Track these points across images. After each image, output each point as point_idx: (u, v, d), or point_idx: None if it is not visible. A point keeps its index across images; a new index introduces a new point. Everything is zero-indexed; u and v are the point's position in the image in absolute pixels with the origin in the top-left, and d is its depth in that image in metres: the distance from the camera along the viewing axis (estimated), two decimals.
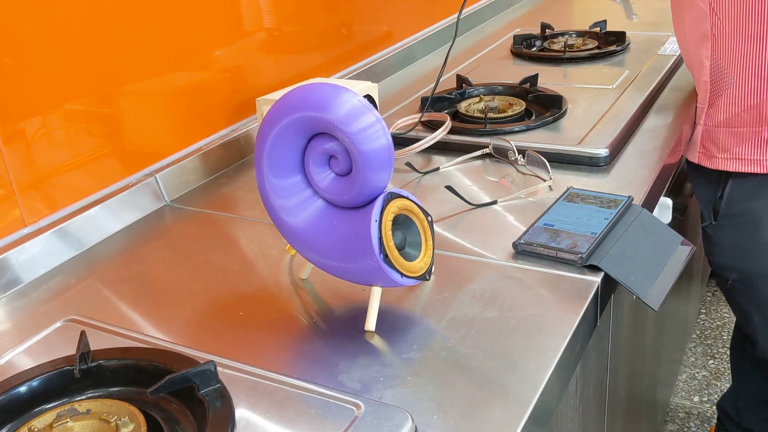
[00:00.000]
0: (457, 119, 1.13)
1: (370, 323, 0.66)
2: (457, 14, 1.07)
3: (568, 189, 0.87)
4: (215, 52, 1.05)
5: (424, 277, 0.66)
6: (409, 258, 0.66)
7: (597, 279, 0.71)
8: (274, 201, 0.67)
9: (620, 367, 1.02)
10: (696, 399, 1.74)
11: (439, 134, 1.01)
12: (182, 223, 0.91)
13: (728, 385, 1.76)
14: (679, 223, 1.27)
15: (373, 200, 0.65)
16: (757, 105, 1.05)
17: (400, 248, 0.66)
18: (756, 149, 1.07)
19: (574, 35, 1.50)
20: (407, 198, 0.67)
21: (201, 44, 1.03)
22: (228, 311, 0.71)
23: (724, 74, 1.07)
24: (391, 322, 0.67)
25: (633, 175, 0.93)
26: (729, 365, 1.83)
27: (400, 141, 1.06)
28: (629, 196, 0.83)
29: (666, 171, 0.97)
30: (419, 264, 0.66)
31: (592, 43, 1.43)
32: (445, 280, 0.73)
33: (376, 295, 0.66)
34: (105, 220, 0.89)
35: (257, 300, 0.73)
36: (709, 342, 1.94)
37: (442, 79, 1.07)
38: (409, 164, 1.00)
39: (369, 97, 1.05)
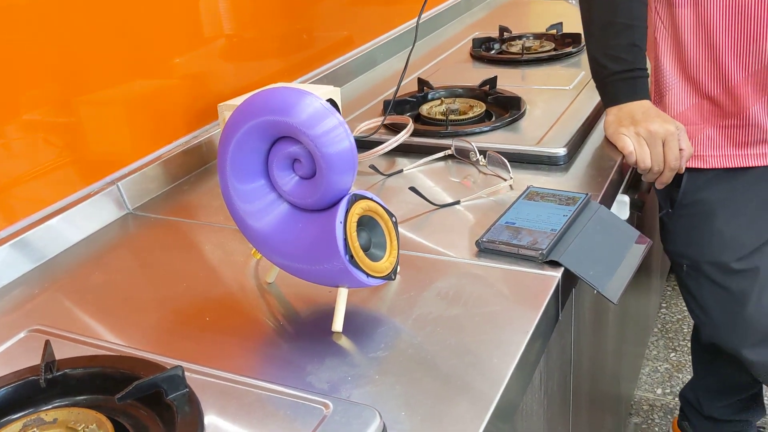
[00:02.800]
0: (419, 122, 1.14)
1: (337, 324, 0.66)
2: (416, 18, 1.09)
3: (528, 188, 0.88)
4: (175, 59, 1.05)
5: (389, 276, 0.67)
6: (374, 258, 0.67)
7: (557, 274, 0.72)
8: (239, 206, 0.68)
9: (583, 362, 1.05)
10: (659, 391, 1.79)
11: (402, 137, 1.02)
12: (146, 231, 0.91)
13: (690, 377, 1.81)
14: (637, 218, 1.31)
15: (337, 202, 0.66)
16: (698, 104, 1.09)
17: (366, 249, 0.67)
18: (701, 146, 1.10)
19: (531, 37, 1.53)
20: (371, 199, 0.68)
21: (161, 51, 1.03)
22: (194, 317, 0.71)
23: (667, 76, 1.10)
24: (357, 323, 0.68)
25: (591, 173, 0.95)
26: (690, 357, 1.88)
27: (364, 144, 1.07)
28: (587, 194, 0.85)
29: (622, 168, 1.00)
30: (384, 264, 0.67)
31: (549, 45, 1.46)
32: (411, 280, 0.74)
33: (342, 296, 0.67)
34: (66, 230, 0.88)
35: (223, 305, 0.73)
36: (670, 335, 1.99)
37: (403, 83, 1.09)
38: (373, 167, 1.01)
39: (331, 101, 1.06)
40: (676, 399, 1.74)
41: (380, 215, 0.68)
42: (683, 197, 1.15)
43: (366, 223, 0.68)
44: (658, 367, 1.87)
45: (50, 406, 0.58)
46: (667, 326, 2.02)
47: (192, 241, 0.87)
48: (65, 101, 0.90)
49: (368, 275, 0.65)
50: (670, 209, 1.18)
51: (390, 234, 0.69)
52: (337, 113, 0.64)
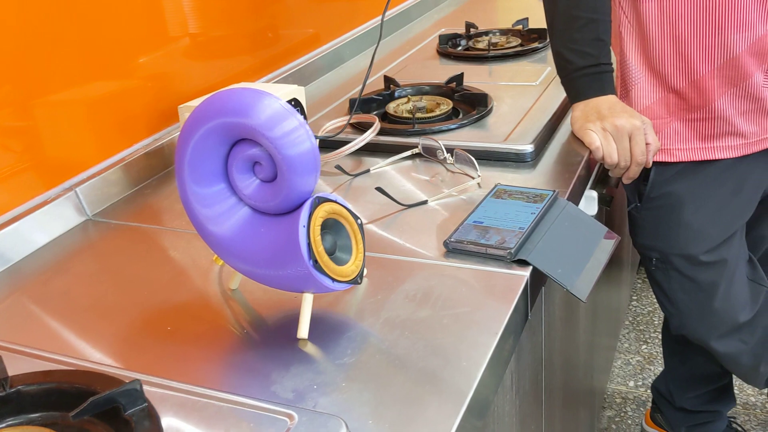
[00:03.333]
0: (386, 120, 1.13)
1: (303, 331, 0.65)
2: (382, 14, 1.07)
3: (495, 186, 0.88)
4: (136, 59, 1.02)
5: (355, 280, 0.66)
6: (339, 262, 0.66)
7: (526, 273, 0.72)
8: (198, 211, 0.66)
9: (555, 358, 1.05)
10: (631, 384, 1.80)
11: (368, 136, 1.00)
12: (106, 238, 0.88)
13: (661, 368, 1.83)
14: (605, 213, 1.31)
15: (300, 205, 0.64)
16: (664, 98, 1.09)
17: (330, 253, 0.66)
18: (667, 139, 1.11)
19: (497, 33, 1.53)
20: (336, 202, 0.66)
21: (120, 51, 1.00)
22: (155, 326, 0.69)
23: (632, 70, 1.10)
24: (324, 328, 0.66)
25: (558, 170, 0.95)
26: (661, 349, 1.90)
27: (330, 144, 1.05)
28: (554, 191, 0.85)
29: (590, 164, 1.00)
30: (350, 268, 0.66)
31: (515, 41, 1.46)
32: (378, 282, 0.73)
33: (307, 301, 0.65)
34: (23, 237, 0.85)
35: (185, 313, 0.71)
36: (641, 328, 2.00)
37: (370, 81, 1.07)
38: (339, 167, 0.99)
39: (296, 101, 1.04)
40: (649, 391, 1.76)
41: (345, 218, 0.67)
42: (651, 191, 1.15)
43: (331, 226, 0.67)
44: (630, 360, 1.88)
45: (3, 425, 0.56)
46: (638, 319, 2.04)
47: (154, 247, 0.84)
48: (22, 104, 0.87)
49: (334, 280, 0.64)
50: (639, 203, 1.18)
51: (356, 237, 0.67)
52: (297, 114, 0.62)
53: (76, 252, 0.85)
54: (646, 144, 1.00)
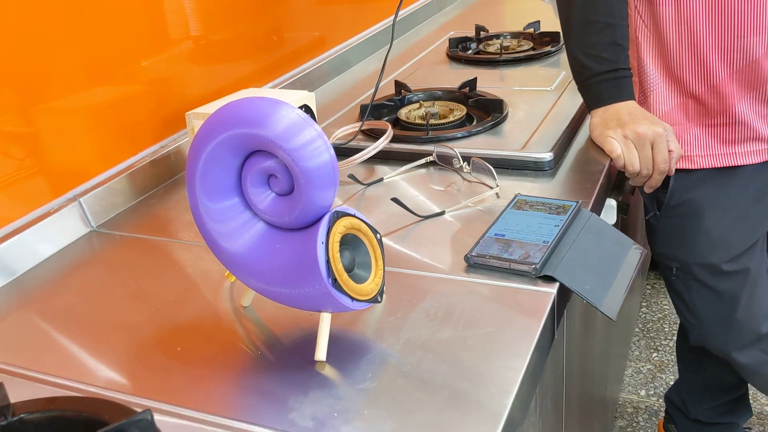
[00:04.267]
0: (397, 126, 1.10)
1: (321, 353, 0.61)
2: (393, 16, 1.04)
3: (516, 196, 0.84)
4: (140, 64, 0.99)
5: (375, 299, 0.63)
6: (359, 280, 0.63)
7: (552, 290, 0.68)
8: (210, 226, 0.62)
9: (574, 373, 1.01)
10: (643, 393, 1.77)
11: (381, 143, 0.97)
12: (111, 250, 0.85)
13: (673, 377, 1.80)
14: (622, 221, 1.28)
15: (318, 220, 0.61)
16: (683, 104, 1.06)
17: (349, 270, 0.62)
18: (687, 146, 1.08)
19: (508, 37, 1.50)
20: (354, 216, 0.63)
21: (124, 55, 0.97)
22: (164, 346, 0.65)
23: (650, 75, 1.07)
24: (342, 350, 0.63)
25: (578, 179, 0.92)
26: (672, 357, 1.87)
27: (341, 151, 1.02)
28: (578, 201, 0.81)
29: (610, 172, 0.96)
30: (370, 286, 0.63)
31: (527, 45, 1.42)
32: (397, 299, 0.69)
33: (325, 321, 0.62)
34: (25, 251, 0.82)
35: (196, 332, 0.68)
36: (651, 335, 1.97)
37: (380, 85, 1.04)
38: (351, 176, 0.96)
39: (306, 107, 1.01)
40: (660, 400, 1.73)
41: (364, 233, 0.64)
42: (671, 199, 1.12)
43: (349, 242, 0.63)
44: (641, 368, 1.85)
45: None
46: (648, 326, 2.01)
47: (161, 260, 0.81)
48: (23, 111, 0.83)
49: (353, 299, 0.61)
50: (658, 211, 1.15)
51: (375, 253, 0.64)
52: (315, 124, 0.59)
53: (80, 265, 0.82)
54: (669, 151, 0.96)
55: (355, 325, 0.66)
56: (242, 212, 0.63)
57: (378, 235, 0.65)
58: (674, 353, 1.88)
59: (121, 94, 0.97)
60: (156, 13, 1.01)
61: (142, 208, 0.95)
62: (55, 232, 0.86)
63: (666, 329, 1.98)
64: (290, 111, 0.59)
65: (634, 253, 0.78)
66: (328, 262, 0.59)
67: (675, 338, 1.93)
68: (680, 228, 1.14)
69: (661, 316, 2.04)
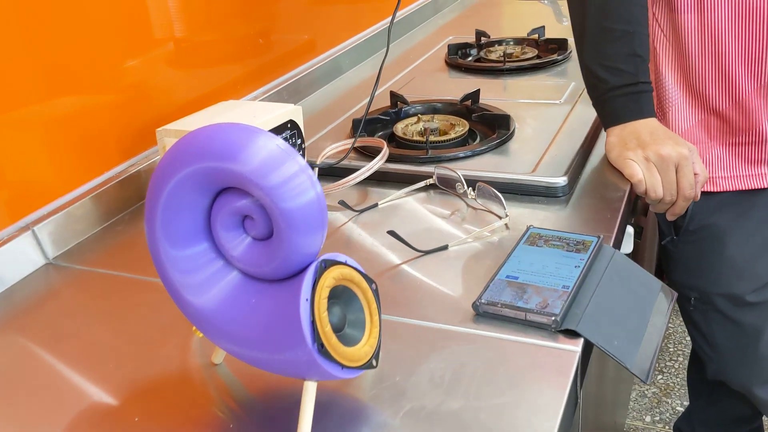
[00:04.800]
0: (393, 143, 1.00)
1: (304, 431, 0.51)
2: (390, 17, 0.94)
3: (528, 229, 0.75)
4: (107, 70, 0.89)
5: (370, 364, 0.53)
6: (350, 341, 0.53)
7: (577, 348, 0.59)
8: (174, 277, 0.52)
9: (589, 416, 0.92)
10: (648, 419, 1.68)
11: (376, 164, 0.87)
12: (67, 288, 0.74)
13: (679, 401, 1.71)
14: (636, 247, 1.19)
15: (302, 271, 0.51)
16: (705, 120, 0.97)
17: (339, 329, 0.52)
18: (709, 166, 0.99)
19: (511, 43, 1.40)
20: (346, 264, 0.53)
21: (89, 61, 0.86)
22: (119, 416, 0.55)
23: (668, 89, 0.98)
24: (331, 422, 0.53)
25: (596, 206, 0.82)
26: (678, 380, 1.78)
27: (331, 172, 0.92)
28: (599, 236, 0.72)
29: (630, 199, 0.87)
30: (363, 348, 0.53)
31: (531, 52, 1.33)
32: (396, 358, 0.60)
33: (309, 393, 0.52)
34: None
35: (158, 395, 0.57)
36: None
37: (374, 97, 0.94)
38: (342, 202, 0.86)
39: (292, 123, 0.91)
40: (666, 427, 1.64)
41: (357, 284, 0.54)
42: (690, 223, 1.03)
43: (339, 295, 0.53)
44: (646, 392, 1.76)
45: None
46: None
47: (123, 302, 0.71)
48: None
49: (343, 366, 0.51)
50: (675, 236, 1.06)
51: (370, 307, 0.54)
52: (298, 156, 0.49)
53: (29, 307, 0.71)
54: (694, 175, 0.87)
55: (346, 389, 0.57)
56: (212, 260, 0.53)
57: (373, 286, 0.55)
58: (680, 375, 1.79)
59: (85, 105, 0.86)
60: (126, 11, 0.90)
61: (106, 236, 0.85)
62: (3, 265, 0.75)
63: (671, 349, 1.89)
64: (267, 141, 0.48)
65: (664, 298, 0.69)
66: (313, 323, 0.49)
67: (680, 359, 1.84)
68: (700, 255, 1.05)
69: (665, 335, 1.95)
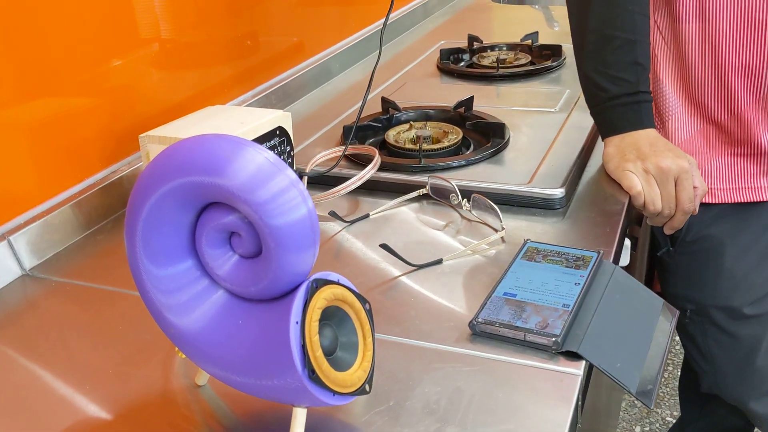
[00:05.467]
0: (384, 150, 0.97)
1: None
2: (384, 19, 0.91)
3: (525, 243, 0.72)
4: (89, 71, 0.85)
5: (363, 390, 0.50)
6: (342, 366, 0.50)
7: (578, 372, 0.56)
8: (156, 297, 0.49)
9: (584, 428, 0.90)
10: (638, 429, 1.66)
11: (368, 173, 0.84)
12: (43, 302, 0.71)
13: (669, 411, 1.69)
14: (631, 258, 1.17)
15: (292, 291, 0.48)
16: (704, 131, 0.95)
17: (330, 353, 0.50)
18: (707, 178, 0.97)
19: (504, 48, 1.38)
20: (338, 284, 0.50)
21: (69, 61, 0.82)
22: None
23: (668, 98, 0.96)
24: None
25: (594, 219, 0.80)
26: (668, 389, 1.76)
27: (321, 181, 0.89)
28: (598, 252, 0.69)
29: (628, 211, 0.85)
30: (356, 373, 0.50)
31: (525, 58, 1.31)
32: (389, 380, 0.57)
33: (299, 419, 0.49)
34: None
35: (137, 419, 0.54)
36: None
37: (365, 103, 0.91)
38: (333, 213, 0.83)
39: (281, 130, 0.88)
40: None
41: (350, 304, 0.51)
42: (687, 234, 1.01)
43: (331, 315, 0.51)
44: (635, 402, 1.74)
45: None
46: None
47: (102, 318, 0.67)
48: None
49: (335, 393, 0.48)
50: (672, 247, 1.04)
51: (363, 329, 0.51)
52: (288, 169, 0.46)
53: (3, 321, 0.68)
54: (693, 188, 0.85)
55: (337, 415, 0.54)
56: (197, 279, 0.50)
57: (367, 306, 0.52)
58: (669, 385, 1.78)
59: (65, 109, 0.83)
60: (109, 10, 0.87)
61: (86, 245, 0.81)
62: None
63: None
64: (256, 153, 0.46)
65: (666, 316, 0.66)
66: (303, 347, 0.46)
67: (670, 368, 1.83)
68: (697, 266, 1.03)
69: None
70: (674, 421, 1.44)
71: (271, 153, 0.47)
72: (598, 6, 0.86)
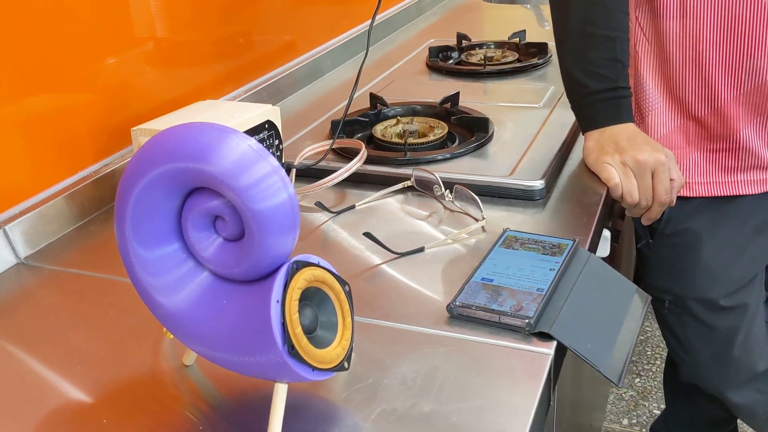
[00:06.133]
0: (372, 144, 0.99)
1: None
2: (370, 21, 0.94)
3: (504, 232, 0.75)
4: (82, 68, 0.88)
5: (341, 366, 0.52)
6: (322, 343, 0.52)
7: (549, 351, 0.59)
8: (144, 278, 0.52)
9: (564, 419, 0.92)
10: (625, 422, 1.69)
11: (354, 166, 0.87)
12: (38, 289, 0.73)
13: (656, 404, 1.72)
14: (614, 250, 1.19)
15: (273, 272, 0.50)
16: (683, 126, 0.98)
17: (311, 331, 0.52)
18: (686, 172, 0.99)
19: (492, 46, 1.40)
20: (318, 266, 0.53)
21: (64, 58, 0.85)
22: (86, 419, 0.54)
23: (648, 94, 0.99)
24: (302, 424, 0.53)
25: (573, 211, 0.82)
26: (655, 383, 1.79)
27: (309, 173, 0.91)
28: (574, 240, 0.72)
29: (607, 202, 0.87)
30: (335, 350, 0.52)
31: (512, 56, 1.33)
32: (369, 360, 0.59)
33: (280, 395, 0.51)
34: None
35: (127, 398, 0.57)
36: (634, 359, 1.89)
37: (352, 99, 0.94)
38: (319, 204, 0.86)
39: (270, 123, 0.90)
40: (643, 430, 1.65)
41: (330, 285, 0.53)
42: (666, 227, 1.04)
43: (312, 296, 0.53)
44: (623, 395, 1.77)
45: None
46: None
47: (95, 303, 0.70)
48: None
49: (314, 369, 0.50)
50: (651, 240, 1.07)
51: (343, 309, 0.54)
52: (270, 156, 0.49)
53: None
54: (670, 180, 0.88)
55: (318, 390, 0.56)
56: (183, 261, 0.52)
57: (346, 287, 0.54)
58: (657, 378, 1.81)
59: (60, 104, 0.85)
60: (104, 9, 0.89)
61: (79, 235, 0.83)
62: None
63: (649, 353, 1.91)
64: (240, 141, 0.48)
65: (638, 301, 0.69)
66: (284, 325, 0.49)
67: (657, 362, 1.86)
68: (675, 259, 1.05)
69: (643, 338, 1.96)
70: None
71: (254, 141, 0.49)
72: (578, 4, 0.89)
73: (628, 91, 0.91)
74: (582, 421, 1.22)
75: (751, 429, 1.54)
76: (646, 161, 0.85)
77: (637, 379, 1.82)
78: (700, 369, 1.11)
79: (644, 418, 1.69)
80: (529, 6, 1.86)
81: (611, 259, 1.24)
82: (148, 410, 0.55)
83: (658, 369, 1.82)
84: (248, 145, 0.48)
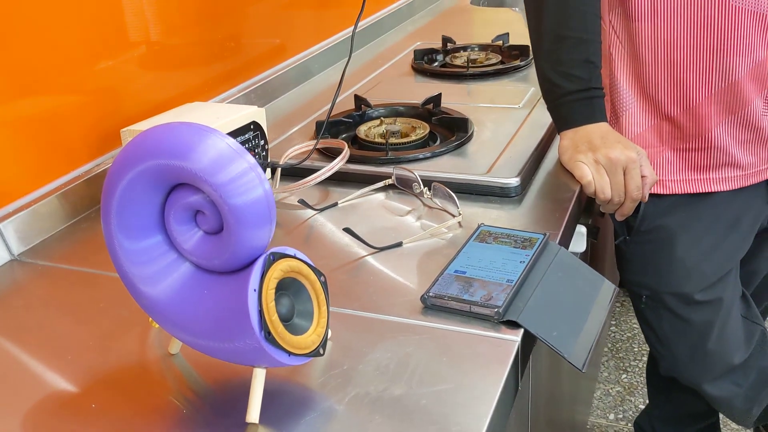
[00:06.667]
0: (356, 145, 1.03)
1: (253, 415, 0.54)
2: (353, 27, 0.97)
3: (479, 227, 0.78)
4: (75, 71, 0.91)
5: (317, 352, 0.55)
6: (298, 330, 0.55)
7: (516, 338, 0.62)
8: (128, 269, 0.55)
9: (541, 410, 0.95)
10: (611, 417, 1.72)
11: (336, 165, 0.90)
12: (31, 284, 0.76)
13: (642, 400, 1.75)
14: (592, 246, 1.22)
15: (251, 263, 0.54)
16: (656, 125, 1.01)
17: (287, 319, 0.55)
18: (659, 170, 1.02)
19: (476, 49, 1.44)
20: (294, 257, 0.56)
21: (57, 62, 0.88)
22: (76, 403, 0.57)
23: (622, 94, 1.02)
24: (279, 408, 0.56)
25: (546, 207, 0.86)
26: (642, 379, 1.82)
27: (293, 172, 0.94)
28: (545, 234, 0.75)
29: (581, 199, 0.90)
30: (311, 337, 0.55)
31: (495, 58, 1.36)
32: (345, 347, 0.62)
33: (258, 379, 0.54)
34: None
35: (115, 385, 0.60)
36: (620, 355, 1.92)
37: (339, 99, 0.97)
38: (302, 201, 0.89)
39: (255, 124, 0.93)
40: (629, 425, 1.68)
41: (306, 276, 0.56)
42: (641, 224, 1.07)
43: (288, 286, 0.56)
44: (610, 390, 1.80)
45: None
46: (617, 345, 1.96)
47: (85, 297, 0.73)
48: None
49: (290, 354, 0.53)
50: (628, 236, 1.10)
51: (318, 298, 0.57)
52: (247, 154, 0.52)
53: None
54: (642, 177, 0.91)
55: (295, 377, 0.59)
56: (165, 252, 0.55)
57: (322, 278, 0.58)
58: (644, 374, 1.84)
59: (53, 106, 0.88)
60: (95, 12, 0.93)
61: (72, 233, 0.86)
62: None
63: (635, 349, 1.94)
64: (218, 140, 0.51)
65: (605, 292, 0.72)
66: (260, 312, 0.52)
67: (644, 359, 1.89)
68: (651, 255, 1.09)
69: (630, 335, 1.99)
70: None
71: (232, 140, 0.52)
72: (552, 7, 0.92)
73: (601, 92, 0.94)
74: (563, 416, 1.25)
75: (732, 422, 1.57)
76: (617, 158, 0.88)
77: (624, 375, 1.85)
78: (677, 362, 1.14)
79: (630, 413, 1.72)
80: (517, 9, 1.89)
81: (591, 255, 1.27)
82: (135, 396, 0.58)
83: (645, 365, 1.85)
84: (226, 143, 0.51)
